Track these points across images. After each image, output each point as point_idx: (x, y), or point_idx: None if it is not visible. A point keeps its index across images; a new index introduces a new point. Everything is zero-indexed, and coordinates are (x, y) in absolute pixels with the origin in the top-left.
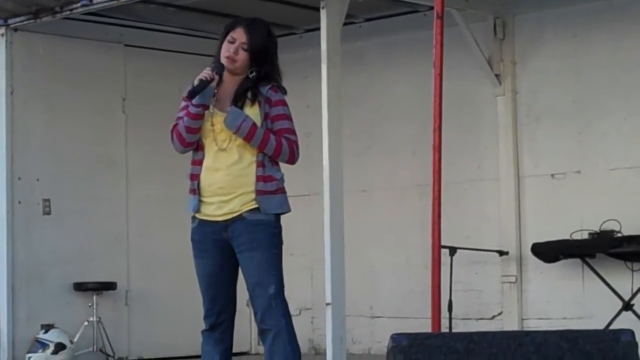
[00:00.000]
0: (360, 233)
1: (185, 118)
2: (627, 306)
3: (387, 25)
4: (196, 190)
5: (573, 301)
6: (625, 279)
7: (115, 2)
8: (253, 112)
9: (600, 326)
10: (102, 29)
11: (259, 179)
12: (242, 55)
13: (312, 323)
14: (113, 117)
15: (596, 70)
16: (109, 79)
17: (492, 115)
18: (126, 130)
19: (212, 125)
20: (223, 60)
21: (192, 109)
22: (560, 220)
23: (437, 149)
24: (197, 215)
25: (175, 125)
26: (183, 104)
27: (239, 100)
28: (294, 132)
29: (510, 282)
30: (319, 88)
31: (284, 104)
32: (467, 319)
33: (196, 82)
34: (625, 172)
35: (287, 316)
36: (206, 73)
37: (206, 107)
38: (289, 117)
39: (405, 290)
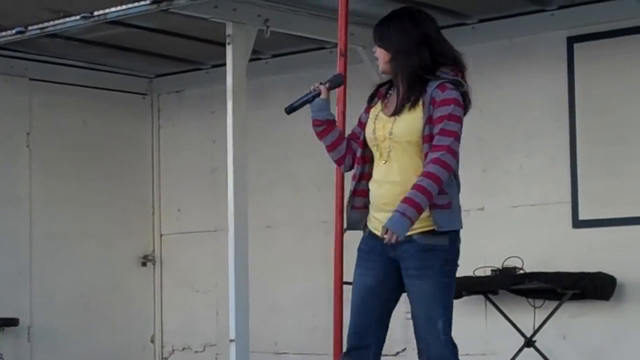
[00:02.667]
0: (266, 269)
1: (318, 139)
2: (529, 342)
3: (294, 62)
4: (361, 208)
5: (476, 338)
6: (527, 316)
7: (20, 36)
8: (412, 117)
9: None
10: (6, 63)
11: None
12: (378, 52)
13: (217, 359)
14: (17, 151)
15: (499, 108)
16: (13, 113)
17: None
18: (30, 165)
19: (374, 132)
20: (313, 88)
21: (313, 129)
22: (464, 257)
23: (340, 186)
24: (368, 227)
25: None
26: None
27: (405, 103)
28: (451, 134)
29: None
30: (226, 123)
31: (452, 102)
32: None
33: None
34: (528, 210)
35: (450, 348)
36: (312, 86)
37: (326, 123)
38: (451, 117)
39: (310, 327)
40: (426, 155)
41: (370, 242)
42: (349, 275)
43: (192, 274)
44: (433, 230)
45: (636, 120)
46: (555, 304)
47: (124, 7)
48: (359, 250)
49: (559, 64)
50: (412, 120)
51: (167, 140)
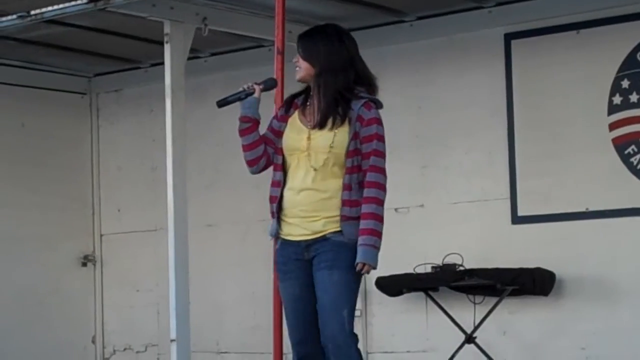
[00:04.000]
0: (206, 268)
1: (240, 136)
2: (470, 339)
3: (232, 60)
4: (275, 213)
5: (417, 334)
6: (467, 312)
7: None
8: (338, 131)
9: (444, 359)
10: None
11: (344, 203)
12: (302, 64)
13: (159, 359)
14: None
15: (438, 105)
16: None
17: None
18: None
19: (296, 142)
20: (247, 86)
21: (239, 125)
22: (404, 254)
23: (277, 184)
24: (280, 235)
25: None
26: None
27: (328, 117)
28: (383, 155)
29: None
30: (165, 122)
31: (378, 122)
32: None
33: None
34: (467, 206)
35: (353, 338)
36: (245, 85)
37: (252, 121)
38: (380, 138)
39: (251, 325)
40: (352, 168)
41: (284, 251)
42: None
43: (132, 274)
44: (339, 231)
45: (573, 117)
46: (495, 300)
47: (61, 5)
48: (277, 263)
49: (496, 60)
50: (331, 135)
51: (107, 139)
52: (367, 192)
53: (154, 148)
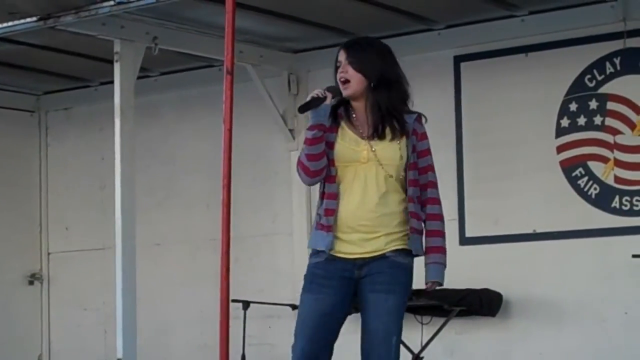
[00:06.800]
0: (154, 287)
1: (305, 145)
2: (417, 359)
3: (183, 79)
4: (331, 227)
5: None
6: (415, 332)
7: None
8: (403, 144)
9: None
10: None
11: (412, 215)
12: (353, 73)
13: None
14: None
15: None
16: None
17: (286, 169)
18: None
19: (356, 153)
20: (319, 93)
21: (309, 134)
22: None
23: (227, 204)
24: (332, 250)
25: (298, 158)
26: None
27: (386, 129)
28: (434, 170)
29: None
30: (114, 141)
31: (427, 137)
32: None
33: (308, 100)
34: None
35: None
36: (317, 91)
37: (323, 128)
38: (431, 152)
39: (199, 345)
40: (415, 182)
41: (329, 266)
42: (235, 292)
43: (80, 293)
44: (403, 250)
45: (521, 139)
46: (442, 320)
47: (10, 23)
48: (314, 275)
49: (446, 82)
50: (397, 146)
51: (55, 158)
52: (430, 209)
53: (103, 167)
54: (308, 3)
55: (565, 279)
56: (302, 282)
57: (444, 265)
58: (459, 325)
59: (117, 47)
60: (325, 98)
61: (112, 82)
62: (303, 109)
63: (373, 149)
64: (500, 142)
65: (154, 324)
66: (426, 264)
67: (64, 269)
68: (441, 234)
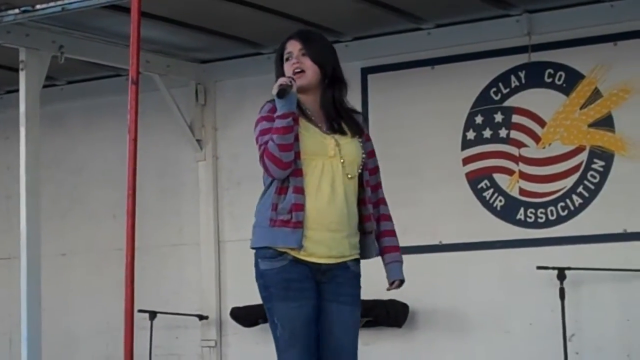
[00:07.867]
0: (60, 297)
1: (275, 136)
2: None
3: (89, 88)
4: (301, 223)
5: None
6: None
7: None
8: (355, 141)
9: None
10: None
11: (369, 218)
12: (310, 64)
13: None
14: None
15: None
16: None
17: (193, 180)
18: None
19: (324, 146)
20: (288, 81)
21: (280, 122)
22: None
23: (131, 214)
24: (299, 255)
25: (265, 150)
26: (260, 127)
27: (337, 126)
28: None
29: (210, 347)
30: (19, 149)
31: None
32: None
33: (275, 90)
34: None
35: None
36: (282, 80)
37: (294, 117)
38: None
39: (105, 355)
40: (367, 182)
41: (297, 269)
42: (142, 303)
43: None
44: (357, 259)
45: (428, 151)
46: None
47: None
48: (287, 280)
49: (354, 94)
50: (356, 144)
51: None
52: (383, 209)
53: (8, 176)
54: (215, 14)
55: (470, 290)
56: (209, 294)
57: (402, 263)
58: (366, 336)
59: (22, 56)
60: (292, 86)
61: (17, 90)
62: (281, 94)
63: (338, 144)
64: (407, 154)
65: (60, 334)
66: (387, 264)
67: None
68: (395, 234)
